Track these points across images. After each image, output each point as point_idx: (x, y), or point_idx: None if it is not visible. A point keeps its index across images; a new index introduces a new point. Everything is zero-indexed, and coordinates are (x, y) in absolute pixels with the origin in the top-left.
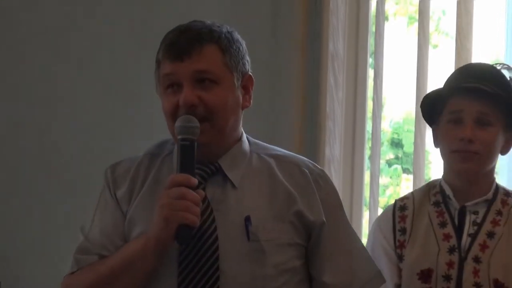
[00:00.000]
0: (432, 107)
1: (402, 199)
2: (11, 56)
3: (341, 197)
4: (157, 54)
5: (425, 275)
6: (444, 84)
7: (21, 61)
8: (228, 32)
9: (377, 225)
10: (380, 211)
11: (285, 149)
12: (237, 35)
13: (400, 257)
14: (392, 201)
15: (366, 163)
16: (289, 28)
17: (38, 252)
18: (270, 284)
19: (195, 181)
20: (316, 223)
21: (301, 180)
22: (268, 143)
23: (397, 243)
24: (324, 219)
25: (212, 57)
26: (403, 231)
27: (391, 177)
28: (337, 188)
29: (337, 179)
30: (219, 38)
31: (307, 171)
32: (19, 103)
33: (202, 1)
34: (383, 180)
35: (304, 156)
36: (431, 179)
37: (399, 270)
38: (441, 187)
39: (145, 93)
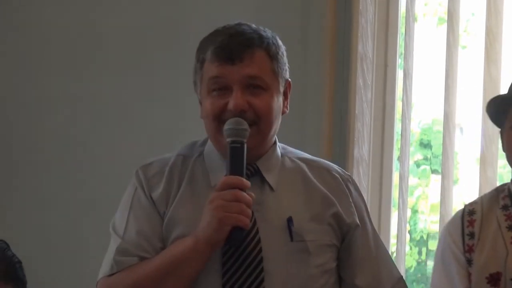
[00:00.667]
0: (496, 113)
1: (471, 204)
2: (41, 59)
3: (369, 198)
4: (200, 54)
5: (494, 279)
6: (508, 89)
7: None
8: (273, 37)
9: (446, 230)
10: (409, 212)
11: (314, 150)
12: (279, 41)
13: (469, 261)
14: (420, 202)
15: (395, 164)
16: (318, 29)
17: (62, 253)
18: (313, 285)
19: (248, 183)
20: (352, 225)
21: (333, 184)
22: (297, 144)
23: (466, 247)
24: (358, 222)
25: (262, 63)
26: (472, 235)
27: (419, 178)
28: (366, 189)
29: (365, 180)
30: (267, 44)
31: (338, 176)
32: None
33: (231, 2)
34: (411, 181)
35: (332, 157)
36: (500, 184)
37: (469, 274)
38: (509, 190)
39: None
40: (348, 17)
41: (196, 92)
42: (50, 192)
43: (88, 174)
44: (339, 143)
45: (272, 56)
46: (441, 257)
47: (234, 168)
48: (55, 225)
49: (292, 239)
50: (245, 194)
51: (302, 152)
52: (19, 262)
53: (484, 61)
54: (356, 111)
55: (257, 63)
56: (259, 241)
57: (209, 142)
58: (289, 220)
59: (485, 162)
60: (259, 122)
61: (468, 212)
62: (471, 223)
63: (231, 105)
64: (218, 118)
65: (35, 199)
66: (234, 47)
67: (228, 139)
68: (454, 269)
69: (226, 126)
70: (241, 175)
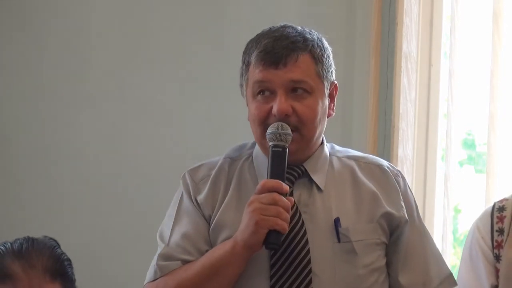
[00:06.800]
0: None
1: (501, 200)
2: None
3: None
4: (245, 57)
5: None
6: None
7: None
8: (319, 39)
9: (475, 225)
10: (452, 212)
11: (358, 149)
12: (325, 42)
13: (498, 257)
14: (463, 202)
15: (439, 163)
16: (363, 29)
17: (111, 252)
18: (361, 285)
19: (286, 187)
20: (402, 220)
21: (383, 179)
22: (342, 143)
23: (495, 243)
24: (407, 217)
25: (306, 67)
26: (501, 231)
27: (463, 178)
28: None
29: (409, 179)
30: (312, 46)
31: (388, 170)
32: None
33: (277, 2)
34: (455, 180)
35: (377, 156)
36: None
37: (496, 271)
38: None
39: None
40: (392, 17)
41: (242, 95)
42: (100, 192)
43: (139, 176)
44: (384, 143)
45: (317, 59)
46: (469, 252)
47: (274, 172)
48: (105, 225)
49: (339, 241)
50: (283, 197)
51: (351, 150)
52: (68, 260)
53: None
54: (401, 111)
55: (301, 67)
56: (307, 242)
57: (257, 145)
58: (336, 221)
59: None
60: (302, 127)
61: (498, 208)
62: (501, 219)
63: (274, 110)
64: (264, 123)
65: (85, 199)
66: (278, 51)
67: (270, 143)
68: (481, 265)
69: (268, 130)
70: (281, 179)
